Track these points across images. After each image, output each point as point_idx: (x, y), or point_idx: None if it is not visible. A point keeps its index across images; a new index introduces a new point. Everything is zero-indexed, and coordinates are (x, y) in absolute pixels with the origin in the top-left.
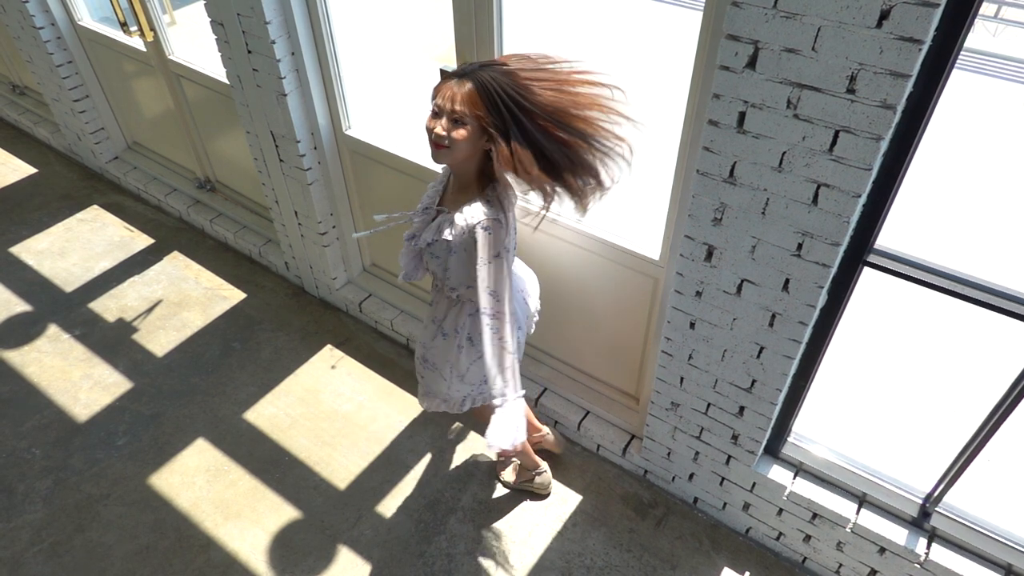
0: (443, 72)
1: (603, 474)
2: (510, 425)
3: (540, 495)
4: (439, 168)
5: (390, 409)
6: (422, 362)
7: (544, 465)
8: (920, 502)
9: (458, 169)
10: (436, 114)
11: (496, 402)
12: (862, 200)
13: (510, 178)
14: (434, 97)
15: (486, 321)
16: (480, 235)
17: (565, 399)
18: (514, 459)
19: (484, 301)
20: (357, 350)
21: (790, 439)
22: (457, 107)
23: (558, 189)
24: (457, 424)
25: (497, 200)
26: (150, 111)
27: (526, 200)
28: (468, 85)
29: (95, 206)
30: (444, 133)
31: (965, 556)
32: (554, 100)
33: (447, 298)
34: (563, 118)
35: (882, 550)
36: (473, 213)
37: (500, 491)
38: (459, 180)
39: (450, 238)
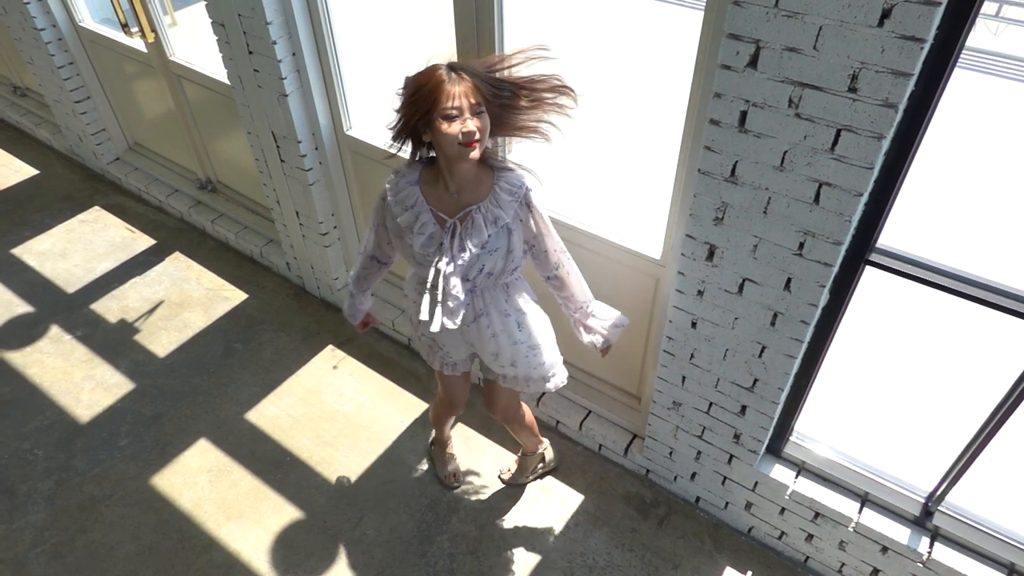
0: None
1: (605, 474)
2: (613, 313)
3: (552, 470)
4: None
5: (391, 409)
6: (530, 352)
7: (545, 440)
8: (922, 501)
9: (470, 163)
10: (454, 117)
11: (589, 309)
12: (864, 199)
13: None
14: (448, 107)
15: (566, 258)
16: (532, 197)
17: (566, 399)
18: (519, 455)
19: (556, 244)
20: (358, 350)
21: (792, 438)
22: (475, 99)
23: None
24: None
25: (508, 165)
26: (151, 112)
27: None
28: (467, 79)
29: (96, 207)
30: (475, 128)
31: (968, 555)
32: (502, 65)
33: (504, 286)
34: (518, 75)
35: (884, 549)
36: (514, 184)
37: (502, 491)
38: (467, 173)
39: (508, 219)
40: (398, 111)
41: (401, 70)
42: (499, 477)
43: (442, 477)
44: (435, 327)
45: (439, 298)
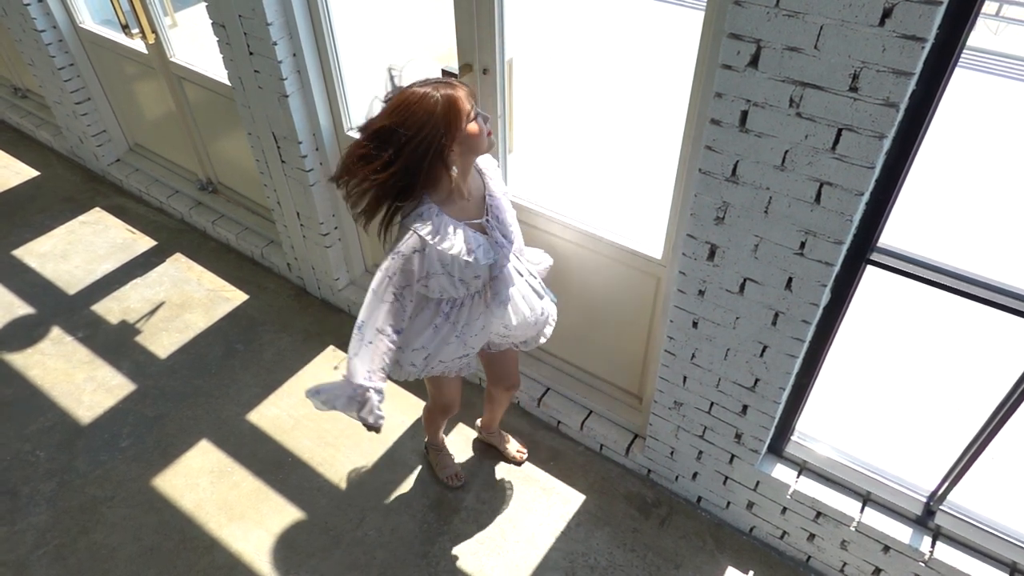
0: (445, 73)
1: (606, 474)
2: (540, 254)
3: None
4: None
5: (393, 409)
6: (549, 294)
7: None
8: (924, 500)
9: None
10: (476, 116)
11: (524, 256)
12: (865, 198)
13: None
14: (470, 110)
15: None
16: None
17: (568, 399)
18: (500, 436)
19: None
20: None
21: (794, 438)
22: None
23: None
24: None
25: None
26: (152, 113)
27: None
28: (456, 83)
29: (97, 208)
30: (488, 116)
31: (970, 554)
32: None
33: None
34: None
35: (886, 548)
36: (491, 160)
37: (504, 491)
38: (469, 169)
39: (507, 190)
40: (406, 157)
41: (402, 71)
42: (515, 462)
43: (444, 479)
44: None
45: (506, 291)
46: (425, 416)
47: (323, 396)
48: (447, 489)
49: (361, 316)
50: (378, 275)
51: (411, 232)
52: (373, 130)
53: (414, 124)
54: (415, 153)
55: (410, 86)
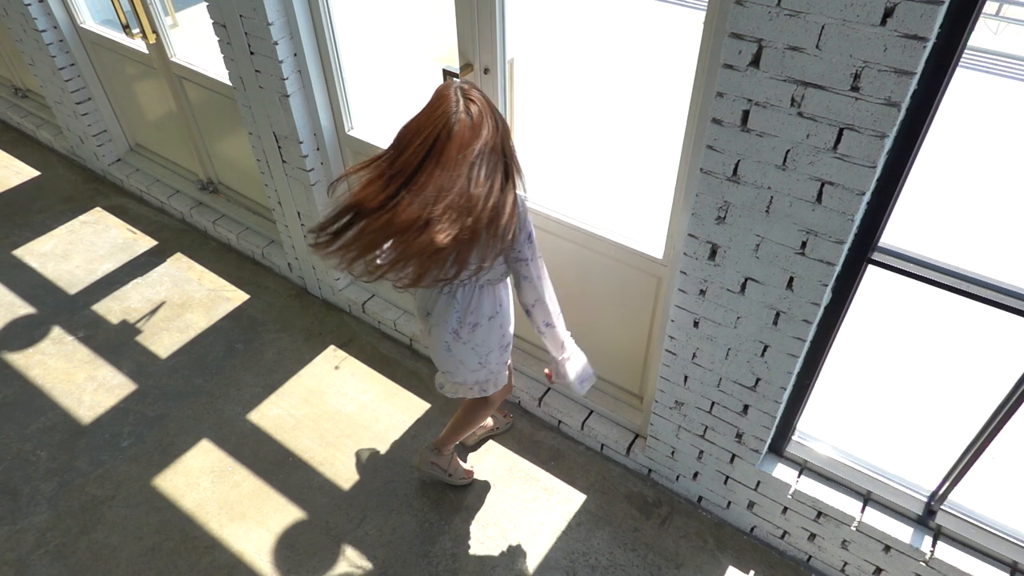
0: (446, 73)
1: (607, 473)
2: None
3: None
4: None
5: (393, 409)
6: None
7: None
8: (925, 500)
9: None
10: None
11: None
12: (866, 198)
13: None
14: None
15: None
16: None
17: (568, 398)
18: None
19: None
20: (360, 351)
21: (794, 437)
22: None
23: None
24: None
25: None
26: (152, 113)
27: None
28: (469, 84)
29: (98, 208)
30: None
31: (971, 554)
32: None
33: None
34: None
35: (887, 548)
36: None
37: (505, 491)
38: None
39: None
40: (509, 150)
41: (402, 70)
42: (507, 425)
43: (460, 477)
44: None
45: None
46: (479, 407)
47: (587, 383)
48: (448, 488)
49: (554, 308)
50: (538, 263)
51: (521, 205)
52: (477, 152)
53: (493, 120)
54: (508, 141)
55: (448, 104)
